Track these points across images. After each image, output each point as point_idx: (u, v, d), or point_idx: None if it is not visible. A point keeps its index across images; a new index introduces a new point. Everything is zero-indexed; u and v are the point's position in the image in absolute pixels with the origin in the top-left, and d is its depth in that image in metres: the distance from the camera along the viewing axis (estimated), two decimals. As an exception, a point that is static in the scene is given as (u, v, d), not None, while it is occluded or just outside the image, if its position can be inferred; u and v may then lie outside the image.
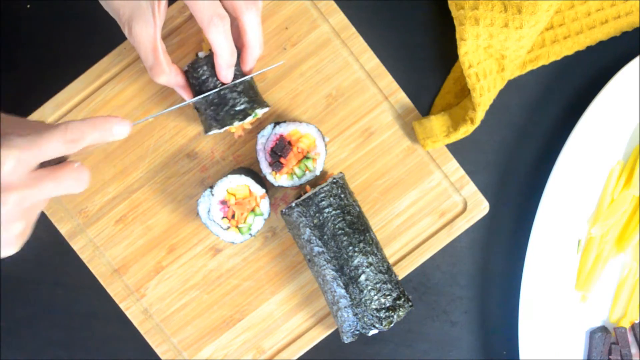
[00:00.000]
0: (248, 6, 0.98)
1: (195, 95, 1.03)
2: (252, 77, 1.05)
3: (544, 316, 1.09)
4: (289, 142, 1.06)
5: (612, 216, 1.08)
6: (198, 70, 1.01)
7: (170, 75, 1.01)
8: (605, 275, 1.10)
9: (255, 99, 1.04)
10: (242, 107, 1.02)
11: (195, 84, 1.02)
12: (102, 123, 0.87)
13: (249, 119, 1.04)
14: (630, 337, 1.09)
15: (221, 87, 1.02)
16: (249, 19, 0.99)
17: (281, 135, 1.06)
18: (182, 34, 1.11)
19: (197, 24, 1.08)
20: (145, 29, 0.96)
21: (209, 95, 1.01)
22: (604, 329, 1.10)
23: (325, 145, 1.08)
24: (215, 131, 1.03)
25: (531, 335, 1.08)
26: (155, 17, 0.95)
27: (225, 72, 1.01)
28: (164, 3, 0.96)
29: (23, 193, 0.83)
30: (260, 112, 1.04)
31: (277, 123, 1.07)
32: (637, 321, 1.09)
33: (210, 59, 1.01)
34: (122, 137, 0.90)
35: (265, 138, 1.07)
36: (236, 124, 1.02)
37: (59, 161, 0.88)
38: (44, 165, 0.86)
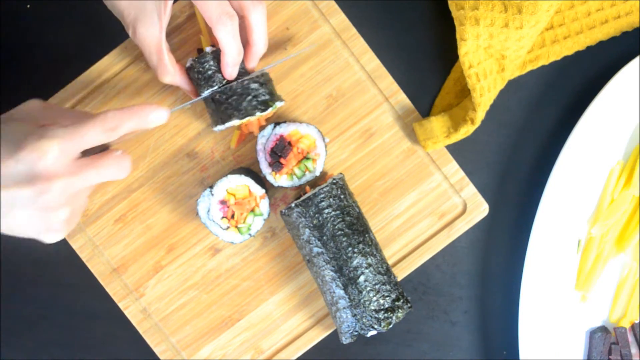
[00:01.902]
0: (255, 5, 1.00)
1: (197, 91, 1.04)
2: (252, 76, 1.06)
3: (544, 316, 1.09)
4: (289, 143, 1.06)
5: (612, 216, 1.08)
6: (204, 65, 1.02)
7: (175, 75, 1.02)
8: (605, 275, 1.10)
9: (274, 92, 1.05)
10: (265, 97, 1.03)
11: (201, 79, 1.02)
12: (139, 111, 0.91)
13: (269, 111, 1.05)
14: (630, 337, 1.09)
15: (239, 79, 1.03)
16: (256, 17, 1.00)
17: (281, 136, 1.06)
18: (184, 32, 1.11)
19: (199, 22, 1.08)
20: (150, 30, 0.97)
21: (231, 86, 1.02)
22: (604, 329, 1.09)
23: (326, 146, 1.08)
24: (235, 121, 1.03)
25: (531, 335, 1.08)
26: (161, 18, 0.97)
27: (232, 70, 1.02)
28: (169, 3, 0.97)
29: (67, 180, 0.87)
30: (278, 104, 1.05)
31: (277, 123, 1.07)
32: (637, 321, 1.09)
33: (216, 54, 1.02)
34: (160, 124, 0.93)
35: (266, 138, 1.07)
36: (257, 114, 1.03)
37: (103, 149, 0.93)
38: (87, 153, 0.90)
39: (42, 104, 0.95)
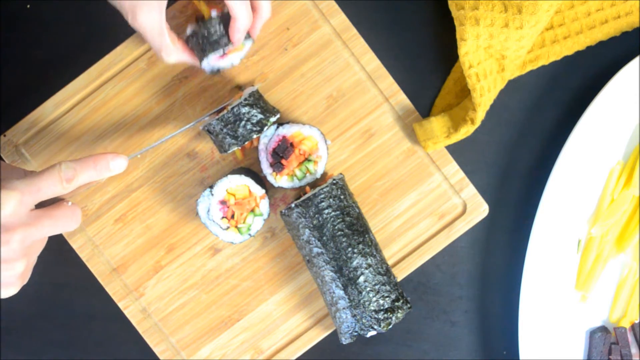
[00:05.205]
0: None
1: (201, 56, 1.03)
2: (240, 101, 1.05)
3: (544, 316, 1.08)
4: (291, 144, 1.06)
5: (612, 216, 1.08)
6: (210, 29, 1.01)
7: (179, 53, 1.02)
8: (605, 275, 1.10)
9: (266, 108, 1.05)
10: (258, 118, 1.03)
11: (205, 43, 1.02)
12: (97, 160, 0.91)
13: (266, 129, 1.04)
14: (630, 337, 1.09)
15: (231, 107, 1.03)
16: None
17: (284, 137, 1.06)
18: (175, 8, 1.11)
19: None
20: (150, 15, 0.96)
21: (222, 115, 1.02)
22: (604, 329, 1.09)
23: (327, 149, 1.08)
24: (234, 148, 1.03)
25: (531, 335, 1.08)
26: (161, 1, 0.96)
27: (241, 36, 1.01)
28: None
29: (25, 232, 0.86)
30: (273, 119, 1.05)
31: (280, 124, 1.07)
32: (637, 321, 1.09)
33: (222, 19, 1.02)
34: (120, 171, 0.93)
35: (268, 138, 1.07)
36: (255, 135, 1.03)
37: (52, 203, 0.92)
38: (38, 207, 0.90)
39: None
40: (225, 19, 1.02)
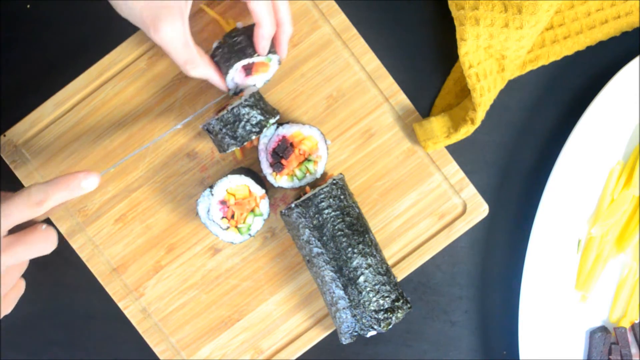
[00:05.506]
0: None
1: (226, 68, 1.03)
2: (240, 101, 1.05)
3: (544, 316, 1.08)
4: (291, 144, 1.06)
5: (612, 216, 1.08)
6: (235, 39, 1.02)
7: (205, 66, 1.01)
8: (605, 275, 1.10)
9: (266, 109, 1.04)
10: (257, 119, 1.02)
11: (231, 52, 1.02)
12: (68, 181, 0.89)
13: (265, 130, 1.05)
14: (630, 337, 1.09)
15: (230, 108, 1.02)
16: None
17: (284, 137, 1.05)
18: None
19: (212, 14, 1.07)
20: (173, 25, 0.94)
21: (222, 115, 1.02)
22: (604, 329, 1.09)
23: (327, 149, 1.08)
24: (233, 148, 1.03)
25: (531, 335, 1.08)
26: (183, 11, 0.95)
27: (266, 44, 1.01)
28: None
29: None
30: (272, 121, 1.05)
31: (280, 124, 1.07)
32: (637, 321, 1.09)
33: (246, 30, 1.03)
34: (93, 189, 0.91)
35: (268, 138, 1.06)
36: (254, 137, 1.03)
37: (29, 225, 0.91)
38: (13, 230, 0.89)
39: None
40: (251, 31, 1.02)
